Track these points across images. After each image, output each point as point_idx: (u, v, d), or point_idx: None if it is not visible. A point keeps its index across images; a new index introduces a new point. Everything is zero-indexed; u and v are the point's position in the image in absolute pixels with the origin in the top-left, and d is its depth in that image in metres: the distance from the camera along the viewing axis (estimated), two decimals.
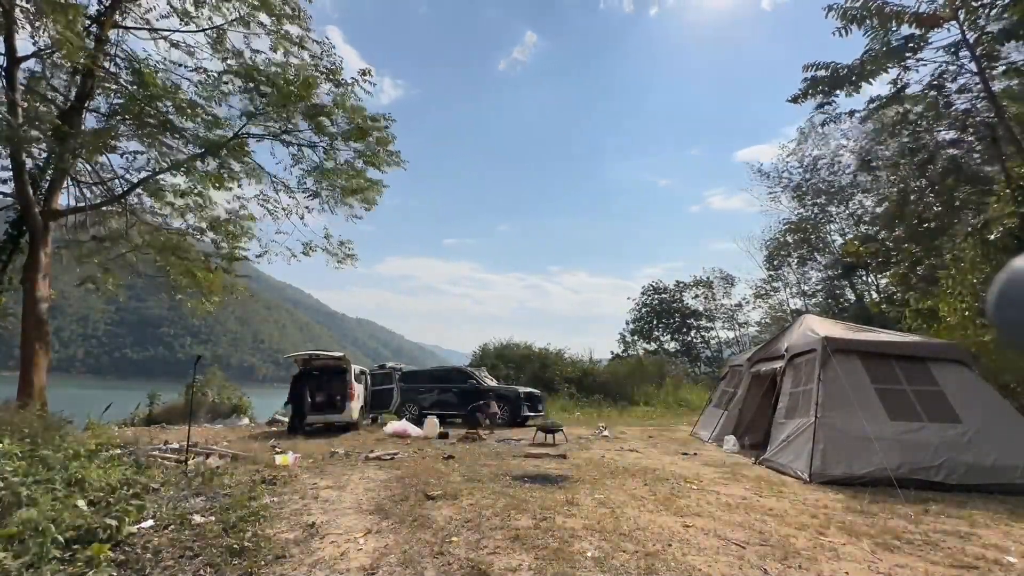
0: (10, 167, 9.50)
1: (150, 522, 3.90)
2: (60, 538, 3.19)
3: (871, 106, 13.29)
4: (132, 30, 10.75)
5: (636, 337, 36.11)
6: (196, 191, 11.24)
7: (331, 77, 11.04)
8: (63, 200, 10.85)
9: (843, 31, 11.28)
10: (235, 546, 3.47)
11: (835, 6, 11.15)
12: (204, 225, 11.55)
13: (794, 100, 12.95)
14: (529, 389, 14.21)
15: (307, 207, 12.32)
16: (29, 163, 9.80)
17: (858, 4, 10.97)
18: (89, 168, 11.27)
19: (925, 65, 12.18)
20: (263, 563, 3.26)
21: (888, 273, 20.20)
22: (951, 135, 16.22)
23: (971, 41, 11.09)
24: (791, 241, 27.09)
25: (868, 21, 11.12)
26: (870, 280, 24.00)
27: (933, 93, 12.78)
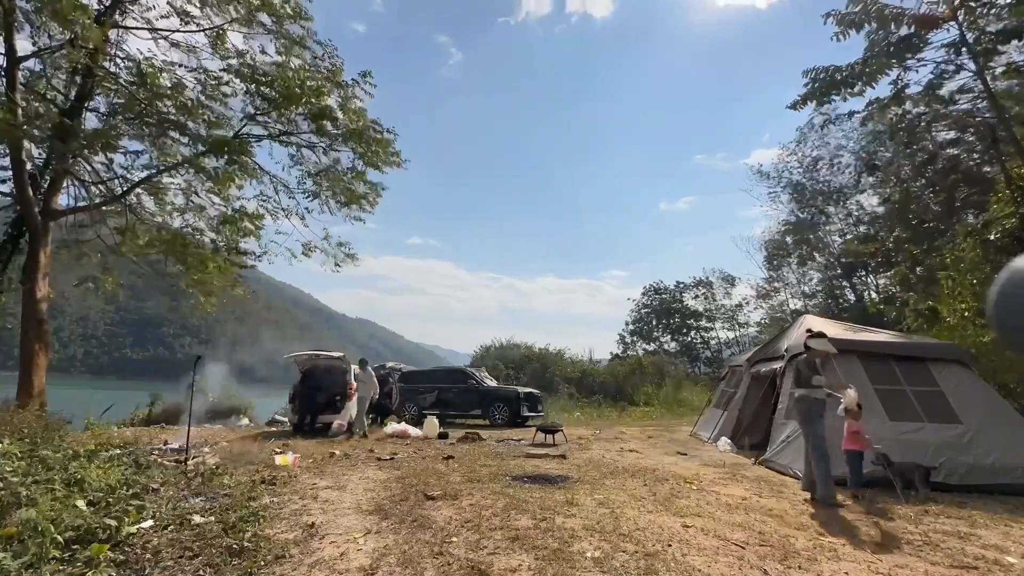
0: (10, 167, 9.50)
1: (150, 522, 3.90)
2: (59, 538, 3.19)
3: (871, 107, 13.30)
4: (132, 30, 10.75)
5: (636, 338, 36.13)
6: (195, 191, 11.24)
7: (332, 78, 11.05)
8: (63, 200, 10.86)
9: (841, 36, 11.28)
10: (235, 546, 3.47)
11: (833, 12, 11.16)
12: (203, 225, 11.55)
13: (793, 107, 12.94)
14: (529, 389, 14.21)
15: (307, 208, 12.34)
16: (29, 163, 9.81)
17: (857, 9, 10.97)
18: (89, 168, 11.28)
19: (925, 65, 12.18)
20: (263, 563, 3.26)
21: (888, 273, 20.21)
22: (951, 135, 16.22)
23: (971, 41, 11.10)
24: (790, 242, 27.09)
25: (867, 24, 11.13)
26: (870, 280, 24.02)
27: (936, 92, 12.77)
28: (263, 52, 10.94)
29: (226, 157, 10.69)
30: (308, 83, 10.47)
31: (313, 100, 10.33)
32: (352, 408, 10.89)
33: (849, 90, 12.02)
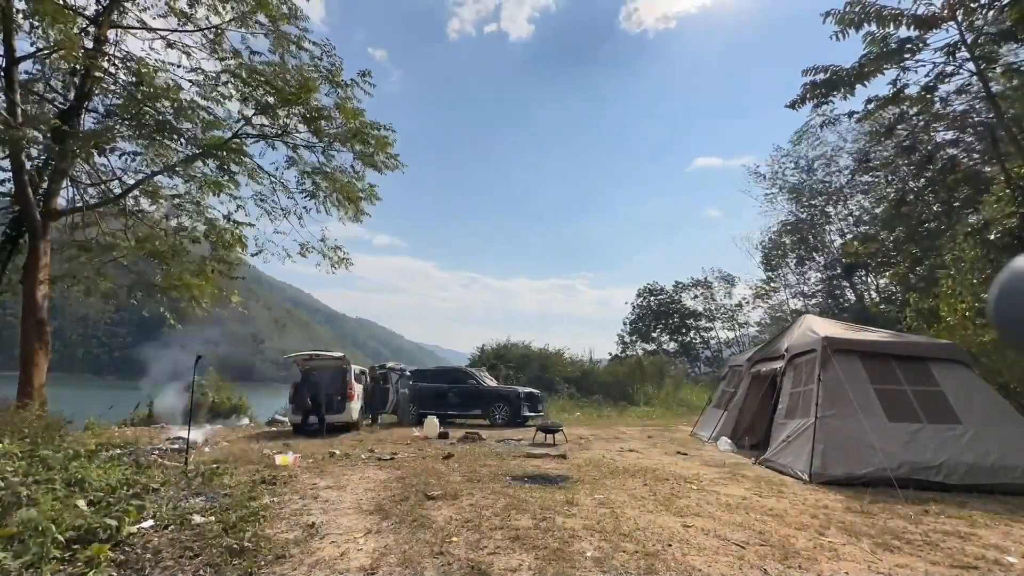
0: (9, 168, 9.50)
1: (150, 522, 3.90)
2: (60, 538, 3.19)
3: (869, 106, 13.30)
4: (130, 30, 10.74)
5: (635, 337, 36.13)
6: (193, 198, 11.21)
7: (331, 78, 11.03)
8: (61, 201, 10.85)
9: (840, 35, 11.28)
10: (235, 546, 3.47)
11: (832, 11, 11.17)
12: (201, 227, 11.51)
13: (792, 106, 12.94)
14: (529, 389, 14.22)
15: (305, 207, 12.31)
16: (28, 163, 9.80)
17: (856, 8, 10.98)
18: (87, 169, 11.27)
19: (923, 66, 12.19)
20: (263, 563, 3.26)
21: (888, 273, 20.21)
22: (950, 135, 16.23)
23: (969, 42, 11.10)
24: (788, 242, 27.08)
25: (866, 24, 11.13)
26: (870, 280, 24.01)
27: (932, 94, 12.78)
28: (255, 53, 10.92)
29: (219, 162, 10.68)
30: (301, 77, 10.43)
31: (303, 96, 10.27)
32: (354, 409, 10.90)
33: (849, 90, 12.03)
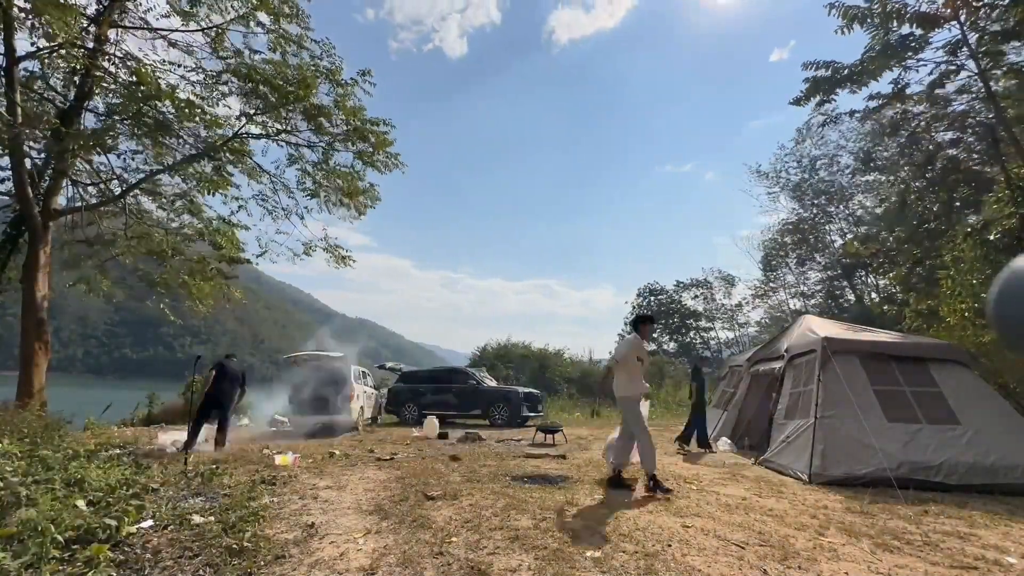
0: (10, 166, 9.50)
1: (149, 522, 3.90)
2: (59, 538, 3.18)
3: (870, 105, 13.30)
4: (131, 30, 10.74)
5: None
6: (190, 197, 11.23)
7: (331, 77, 11.03)
8: (61, 200, 10.85)
9: (846, 29, 11.27)
10: (234, 546, 3.47)
11: (837, 4, 11.15)
12: (200, 227, 11.53)
13: (796, 103, 12.94)
14: (529, 389, 14.22)
15: (306, 207, 12.33)
16: (28, 162, 9.80)
17: (861, 3, 10.98)
18: (87, 168, 11.27)
19: (925, 65, 12.19)
20: (262, 563, 3.26)
21: (889, 274, 20.22)
22: (951, 135, 16.22)
23: (972, 41, 11.10)
24: (789, 242, 27.08)
25: (869, 20, 11.13)
26: (870, 281, 24.01)
27: (934, 92, 12.78)
28: (255, 52, 10.92)
29: (218, 162, 10.68)
30: (302, 74, 10.44)
31: (303, 93, 10.27)
32: (354, 409, 10.90)
33: (853, 87, 12.03)
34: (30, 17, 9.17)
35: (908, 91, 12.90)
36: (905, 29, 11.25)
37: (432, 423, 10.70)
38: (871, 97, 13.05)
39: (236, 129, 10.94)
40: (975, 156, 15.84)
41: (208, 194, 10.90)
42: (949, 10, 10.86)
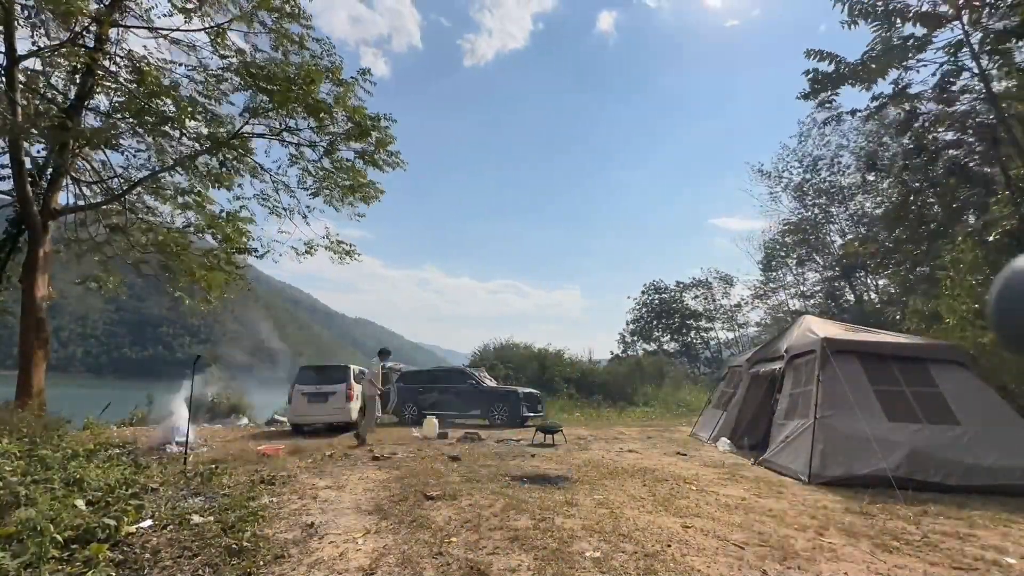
0: (10, 165, 9.50)
1: (149, 522, 3.90)
2: (58, 538, 3.18)
3: (873, 104, 13.29)
4: (132, 29, 10.74)
5: (636, 337, 36.13)
6: (196, 190, 11.23)
7: (331, 76, 11.03)
8: (63, 199, 10.85)
9: (851, 24, 11.27)
10: (234, 546, 3.47)
11: None
12: (204, 223, 11.54)
13: (805, 97, 12.93)
14: (528, 389, 14.21)
15: (308, 207, 12.33)
16: (28, 161, 9.80)
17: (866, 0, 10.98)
18: (89, 167, 11.28)
19: (926, 66, 12.18)
20: (262, 563, 3.26)
21: (888, 274, 20.21)
22: (952, 136, 16.21)
23: (974, 42, 11.09)
24: (790, 242, 27.06)
25: (873, 16, 11.12)
26: (869, 281, 24.01)
27: (944, 92, 12.75)
28: (259, 51, 10.92)
29: (221, 158, 10.69)
30: (306, 68, 10.44)
31: (307, 88, 10.27)
32: (353, 409, 10.89)
33: (860, 85, 12.02)
34: (32, 16, 9.17)
35: (910, 91, 12.89)
36: (908, 29, 11.26)
37: (432, 423, 10.70)
38: (874, 98, 13.04)
39: (238, 127, 10.94)
40: (976, 157, 15.83)
41: (214, 187, 10.95)
42: (952, 10, 10.85)
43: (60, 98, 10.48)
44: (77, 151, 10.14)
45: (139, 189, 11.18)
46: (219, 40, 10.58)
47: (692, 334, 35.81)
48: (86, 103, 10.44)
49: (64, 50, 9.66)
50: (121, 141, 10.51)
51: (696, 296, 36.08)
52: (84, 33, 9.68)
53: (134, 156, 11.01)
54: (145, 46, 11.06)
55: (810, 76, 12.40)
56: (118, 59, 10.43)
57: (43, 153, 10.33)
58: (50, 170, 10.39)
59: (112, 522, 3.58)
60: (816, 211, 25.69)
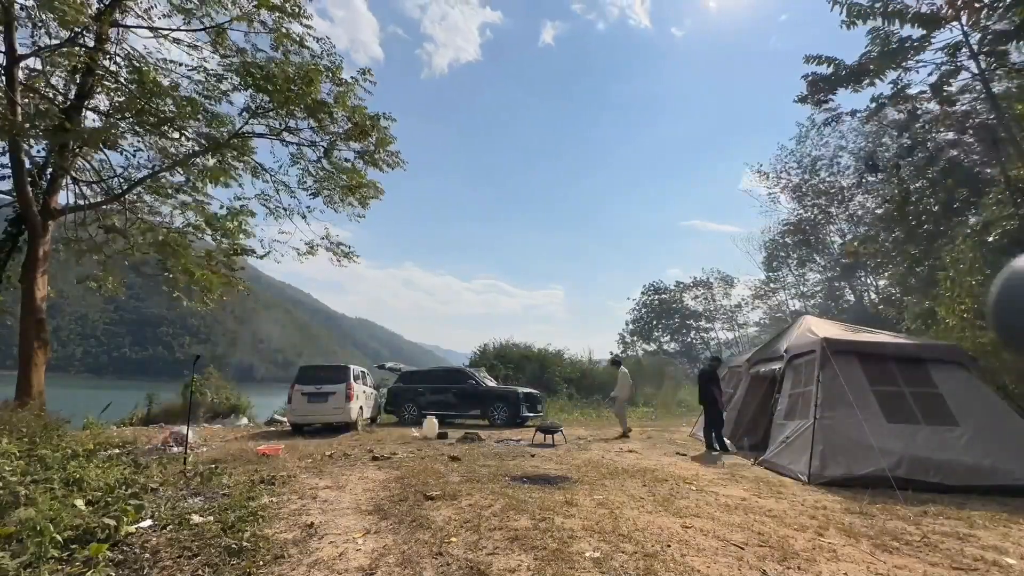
0: (9, 165, 9.50)
1: (148, 522, 3.90)
2: (58, 538, 3.18)
3: (872, 105, 13.31)
4: (132, 28, 10.74)
5: (635, 338, 36.14)
6: (193, 186, 11.25)
7: (331, 76, 11.03)
8: (63, 199, 10.85)
9: (850, 25, 11.28)
10: (233, 546, 3.47)
11: (840, 0, 11.16)
12: (203, 222, 11.54)
13: (802, 100, 12.96)
14: (528, 389, 14.21)
15: (308, 207, 12.34)
16: (28, 162, 9.80)
17: (864, 1, 10.99)
18: (89, 167, 11.28)
19: (925, 66, 12.20)
20: (262, 563, 3.26)
21: (888, 274, 20.23)
22: (951, 136, 16.23)
23: (973, 42, 11.11)
24: (790, 242, 27.08)
25: (872, 18, 11.14)
26: (869, 281, 24.04)
27: (943, 92, 12.77)
28: (259, 51, 10.92)
29: (220, 156, 10.69)
30: (305, 69, 10.45)
31: (306, 88, 10.27)
32: (353, 409, 10.89)
33: (857, 86, 12.04)
34: (32, 15, 9.16)
35: (910, 91, 12.92)
36: (907, 30, 11.28)
37: (432, 423, 10.70)
38: (873, 99, 13.06)
39: (239, 127, 10.94)
40: (975, 157, 15.85)
41: (211, 184, 10.95)
42: (951, 11, 10.87)
43: (60, 98, 10.48)
44: (77, 151, 10.14)
45: (139, 189, 11.19)
46: (219, 40, 10.58)
47: (692, 334, 35.82)
48: (86, 103, 10.44)
49: (64, 49, 9.67)
50: (121, 141, 10.51)
51: (696, 296, 36.10)
52: (84, 33, 9.68)
53: (134, 156, 11.02)
54: (145, 46, 11.06)
55: (808, 78, 12.43)
56: (118, 59, 10.44)
57: (43, 153, 10.34)
58: (50, 170, 10.40)
59: (112, 522, 3.58)
60: (815, 211, 25.71)
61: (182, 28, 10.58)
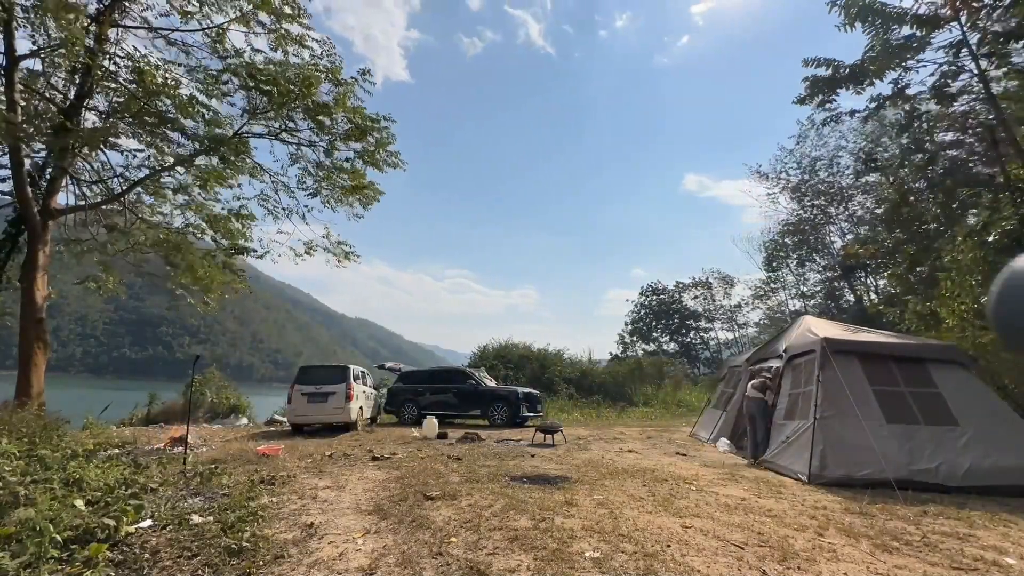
0: (9, 166, 9.50)
1: (148, 522, 3.89)
2: (58, 538, 3.18)
3: (871, 105, 13.29)
4: (131, 29, 10.74)
5: (635, 338, 36.14)
6: (194, 186, 11.26)
7: (331, 76, 11.03)
8: (64, 199, 10.86)
9: (847, 27, 11.26)
10: (233, 546, 3.46)
11: (838, 1, 11.14)
12: (204, 223, 11.54)
13: (800, 102, 12.95)
14: (528, 389, 14.21)
15: (307, 207, 12.34)
16: (28, 162, 9.80)
17: (862, 2, 10.97)
18: (89, 167, 11.28)
19: (925, 66, 12.19)
20: (261, 563, 3.25)
21: (887, 274, 20.22)
22: (951, 136, 16.22)
23: (973, 42, 11.09)
24: (790, 243, 27.08)
25: (870, 19, 11.12)
26: (869, 281, 24.03)
27: (942, 92, 12.75)
28: (257, 51, 10.93)
29: (220, 156, 10.70)
30: (304, 73, 10.46)
31: (305, 91, 10.28)
32: (353, 409, 10.89)
33: (856, 87, 12.02)
34: (31, 16, 9.16)
35: (910, 91, 12.90)
36: (906, 30, 11.25)
37: (431, 423, 10.70)
38: (872, 99, 13.04)
39: (238, 127, 10.94)
40: (975, 157, 15.84)
41: (211, 188, 10.95)
42: (950, 11, 10.85)
43: (60, 98, 10.49)
44: (77, 151, 10.14)
45: (139, 189, 11.20)
46: (218, 41, 10.59)
47: (691, 334, 35.82)
48: (86, 103, 10.44)
49: (63, 50, 9.67)
50: (121, 141, 10.53)
51: (696, 296, 36.10)
52: (84, 32, 9.68)
53: (134, 156, 11.03)
54: (145, 46, 11.05)
55: (807, 81, 12.42)
56: (118, 59, 10.44)
57: (43, 153, 10.34)
58: (49, 171, 10.40)
59: (111, 522, 3.58)
60: (815, 212, 25.71)
61: (180, 29, 10.59)
